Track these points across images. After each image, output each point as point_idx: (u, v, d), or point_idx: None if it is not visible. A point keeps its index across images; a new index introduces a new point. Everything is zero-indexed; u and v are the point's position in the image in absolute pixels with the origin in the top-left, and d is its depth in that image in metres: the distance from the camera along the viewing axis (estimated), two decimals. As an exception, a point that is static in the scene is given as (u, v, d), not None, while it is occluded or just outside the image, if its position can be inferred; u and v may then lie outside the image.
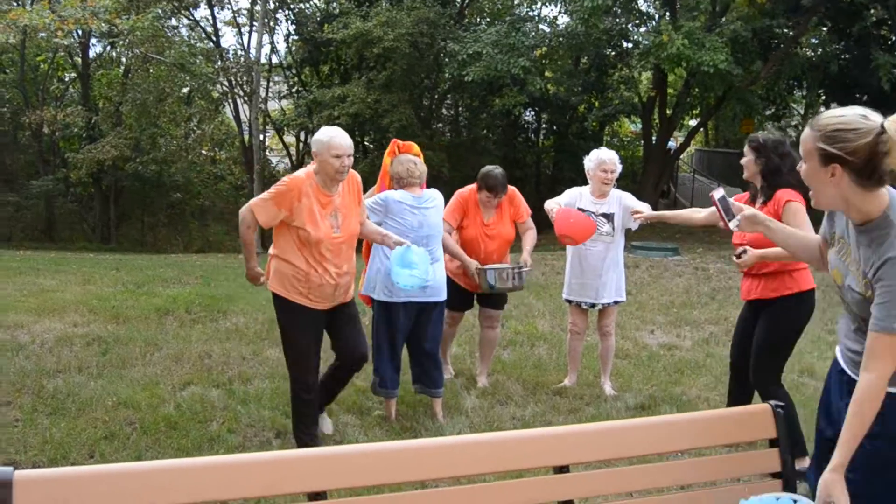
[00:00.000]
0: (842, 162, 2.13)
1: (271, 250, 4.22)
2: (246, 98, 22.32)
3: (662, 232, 16.85)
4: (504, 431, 2.52)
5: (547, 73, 19.95)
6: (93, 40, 23.05)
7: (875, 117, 2.11)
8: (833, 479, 2.11)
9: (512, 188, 5.42)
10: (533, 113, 23.54)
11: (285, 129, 25.46)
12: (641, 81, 21.86)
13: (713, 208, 4.77)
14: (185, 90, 24.00)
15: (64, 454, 4.06)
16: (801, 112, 24.94)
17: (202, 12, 23.98)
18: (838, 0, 16.19)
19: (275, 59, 25.28)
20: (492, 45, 17.00)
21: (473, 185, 5.39)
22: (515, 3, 21.11)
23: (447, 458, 2.18)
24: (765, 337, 4.29)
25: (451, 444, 2.27)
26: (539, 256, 13.61)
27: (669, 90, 20.52)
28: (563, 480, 2.25)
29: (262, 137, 23.34)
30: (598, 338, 5.76)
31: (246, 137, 23.87)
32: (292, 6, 23.69)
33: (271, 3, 22.68)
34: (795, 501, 2.11)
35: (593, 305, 5.54)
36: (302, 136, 25.60)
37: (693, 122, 21.43)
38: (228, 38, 40.17)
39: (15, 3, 19.56)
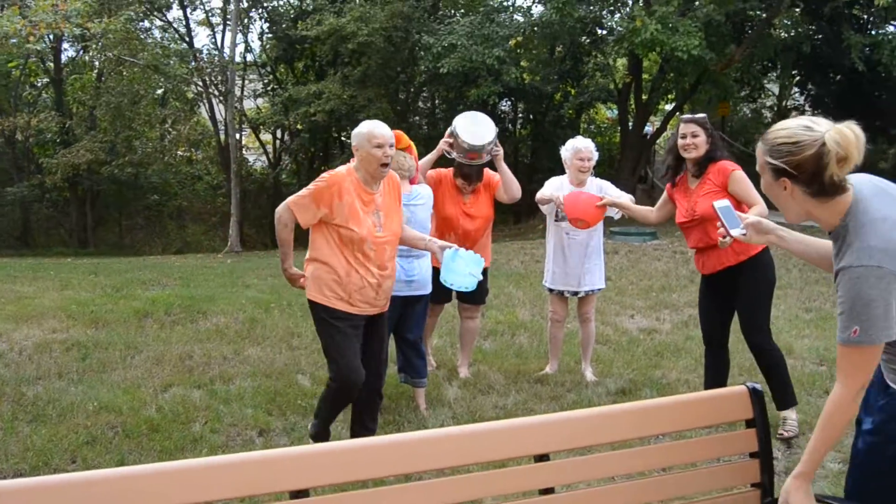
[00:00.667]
0: (789, 175, 2.10)
1: (307, 255, 4.01)
2: (221, 97, 22.19)
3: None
4: (486, 422, 2.54)
5: (522, 63, 19.91)
6: (65, 45, 22.86)
7: (821, 127, 2.06)
8: (795, 486, 2.14)
9: (490, 173, 5.38)
10: (509, 103, 23.50)
11: (261, 127, 25.31)
12: (617, 68, 21.89)
13: (667, 209, 4.83)
14: (159, 92, 23.89)
15: (46, 461, 4.03)
16: (776, 93, 25.15)
17: (175, 13, 23.87)
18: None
19: (249, 58, 25.08)
20: (466, 36, 16.96)
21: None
22: (489, -7, 21.07)
23: (429, 450, 2.19)
24: (752, 295, 4.43)
25: (433, 438, 2.28)
26: (518, 246, 13.65)
27: (645, 76, 20.56)
28: (543, 468, 2.27)
29: (238, 136, 23.21)
30: (579, 324, 5.79)
31: (222, 137, 23.75)
32: (265, 4, 23.50)
33: (244, 1, 22.54)
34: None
35: (576, 293, 5.57)
36: (278, 134, 25.50)
37: (669, 107, 21.47)
38: (202, 38, 39.81)
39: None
